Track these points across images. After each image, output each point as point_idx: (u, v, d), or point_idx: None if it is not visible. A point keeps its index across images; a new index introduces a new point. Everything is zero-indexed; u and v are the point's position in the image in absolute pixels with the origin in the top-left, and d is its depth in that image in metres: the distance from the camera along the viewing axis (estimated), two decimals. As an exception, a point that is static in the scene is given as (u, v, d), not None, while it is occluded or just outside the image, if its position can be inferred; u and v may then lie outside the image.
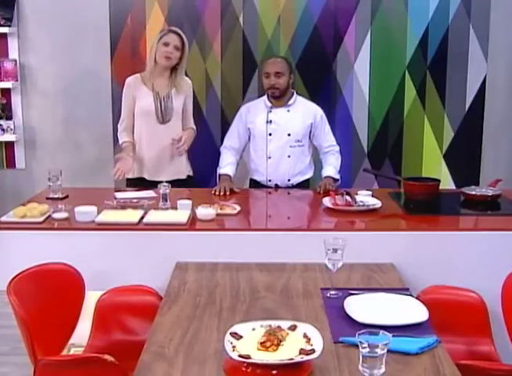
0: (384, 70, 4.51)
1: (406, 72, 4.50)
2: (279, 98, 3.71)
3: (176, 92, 3.69)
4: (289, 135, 3.70)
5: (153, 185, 3.45)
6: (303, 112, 3.75)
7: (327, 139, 3.82)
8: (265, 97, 3.78)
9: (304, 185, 3.80)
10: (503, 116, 4.62)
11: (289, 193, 3.63)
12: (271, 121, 3.69)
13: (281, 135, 3.70)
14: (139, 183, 3.69)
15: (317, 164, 3.90)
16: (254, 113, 3.76)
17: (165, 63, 3.62)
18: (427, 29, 4.44)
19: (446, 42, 4.45)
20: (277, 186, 3.73)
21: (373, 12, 4.43)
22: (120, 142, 3.78)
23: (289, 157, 3.72)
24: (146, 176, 3.74)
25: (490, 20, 4.43)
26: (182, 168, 3.78)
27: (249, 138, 3.81)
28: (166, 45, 3.61)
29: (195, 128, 3.88)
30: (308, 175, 3.83)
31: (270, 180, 3.73)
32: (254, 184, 3.80)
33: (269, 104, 3.74)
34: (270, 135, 3.70)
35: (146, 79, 3.69)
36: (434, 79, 4.51)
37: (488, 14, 4.42)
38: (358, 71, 4.50)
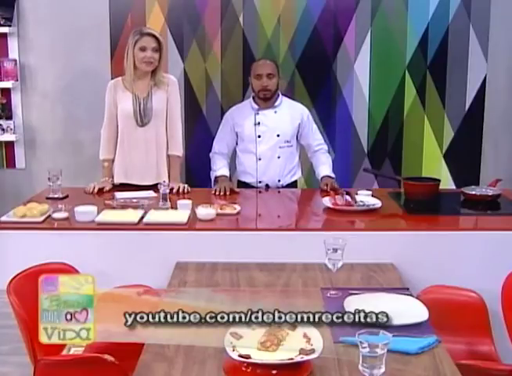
0: (384, 70, 4.51)
1: (406, 72, 4.50)
2: (269, 99, 3.71)
3: (157, 89, 3.55)
4: (278, 135, 3.71)
5: (137, 189, 3.45)
6: (290, 112, 3.76)
7: (316, 138, 3.84)
8: (250, 99, 3.79)
9: (293, 185, 3.82)
10: (503, 116, 4.61)
11: (279, 192, 3.65)
12: (259, 123, 3.68)
13: (270, 136, 3.70)
14: (124, 189, 3.53)
15: (304, 163, 3.90)
16: (241, 116, 3.75)
17: (146, 68, 3.50)
18: (427, 29, 4.43)
19: (446, 42, 4.45)
20: (268, 187, 3.73)
21: (373, 12, 4.42)
22: (100, 156, 3.64)
23: (279, 157, 3.72)
24: (129, 180, 3.58)
25: (490, 20, 4.42)
26: (165, 172, 3.60)
27: (236, 142, 3.81)
28: (143, 49, 3.45)
29: (181, 150, 3.65)
30: (297, 175, 3.85)
31: (260, 182, 3.73)
32: (243, 185, 3.77)
33: (256, 106, 3.73)
34: (259, 137, 3.69)
35: (126, 83, 3.56)
36: (434, 79, 4.50)
37: (488, 14, 4.42)
38: (358, 71, 4.50)
